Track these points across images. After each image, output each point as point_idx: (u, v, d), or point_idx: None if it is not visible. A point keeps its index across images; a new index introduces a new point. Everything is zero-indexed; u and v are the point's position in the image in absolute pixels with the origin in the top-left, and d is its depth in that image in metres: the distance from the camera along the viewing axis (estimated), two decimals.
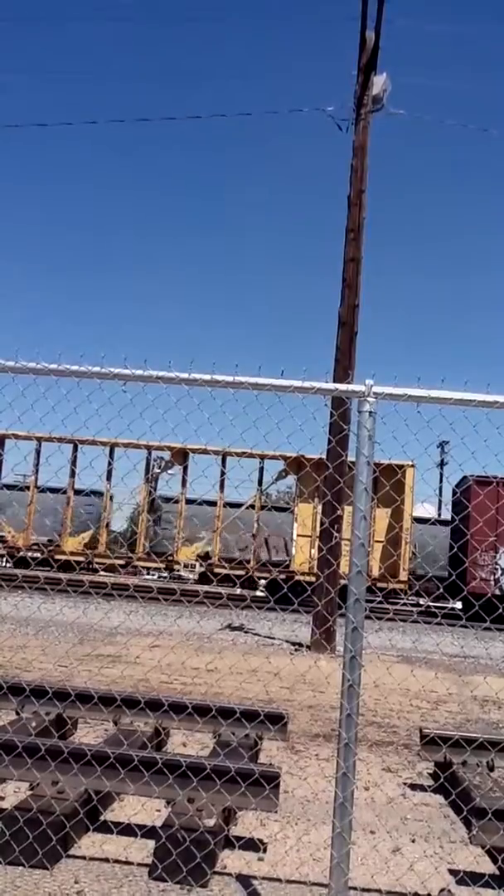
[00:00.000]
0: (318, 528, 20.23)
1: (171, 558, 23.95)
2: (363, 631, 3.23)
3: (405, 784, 5.67)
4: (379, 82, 13.68)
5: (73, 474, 22.69)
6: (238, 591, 21.62)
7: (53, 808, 3.96)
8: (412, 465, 20.82)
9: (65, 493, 23.65)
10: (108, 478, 23.60)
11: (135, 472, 25.56)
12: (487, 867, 4.15)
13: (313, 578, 18.85)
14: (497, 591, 20.70)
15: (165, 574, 26.07)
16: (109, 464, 23.28)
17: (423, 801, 5.32)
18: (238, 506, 23.34)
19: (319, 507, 20.35)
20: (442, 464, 49.49)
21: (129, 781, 4.22)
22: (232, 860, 4.03)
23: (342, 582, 12.25)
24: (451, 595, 22.55)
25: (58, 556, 23.68)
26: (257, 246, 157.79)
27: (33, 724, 5.49)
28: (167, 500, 24.64)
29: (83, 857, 3.90)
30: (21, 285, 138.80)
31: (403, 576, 21.68)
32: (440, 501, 41.40)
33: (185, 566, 25.30)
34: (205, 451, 21.27)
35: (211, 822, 3.98)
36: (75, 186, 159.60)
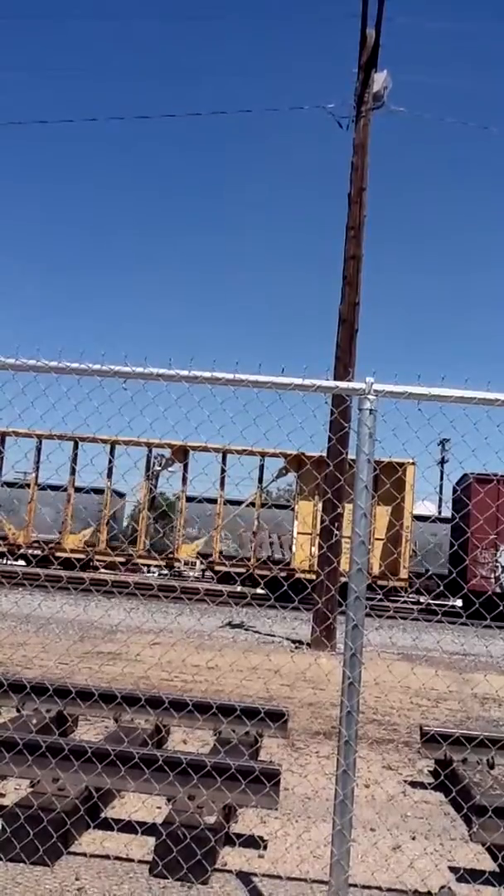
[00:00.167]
0: (318, 526, 20.23)
1: (171, 555, 23.97)
2: (363, 628, 3.23)
3: (405, 781, 5.68)
4: (379, 80, 13.67)
5: (73, 472, 22.68)
6: (239, 588, 21.63)
7: (54, 805, 3.96)
8: (413, 463, 20.81)
9: (81, 490, 23.64)
10: (109, 475, 23.59)
11: (135, 470, 25.54)
12: (488, 864, 4.15)
13: (314, 576, 18.90)
14: (497, 589, 20.71)
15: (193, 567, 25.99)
16: (110, 461, 23.29)
17: (423, 798, 5.32)
18: (240, 503, 23.33)
19: (320, 505, 20.35)
20: (442, 461, 49.45)
21: (129, 779, 4.22)
22: (232, 857, 4.04)
23: (342, 579, 12.26)
24: (451, 593, 22.57)
25: (58, 554, 23.70)
26: (257, 244, 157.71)
27: (34, 721, 5.49)
28: (191, 499, 24.49)
29: (84, 855, 3.90)
30: (21, 282, 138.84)
31: (404, 573, 21.68)
32: (440, 499, 41.45)
33: (186, 563, 25.31)
34: (205, 449, 21.31)
35: (211, 820, 3.98)
36: (75, 184, 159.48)
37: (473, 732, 5.68)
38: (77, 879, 3.64)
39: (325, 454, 12.31)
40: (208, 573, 24.87)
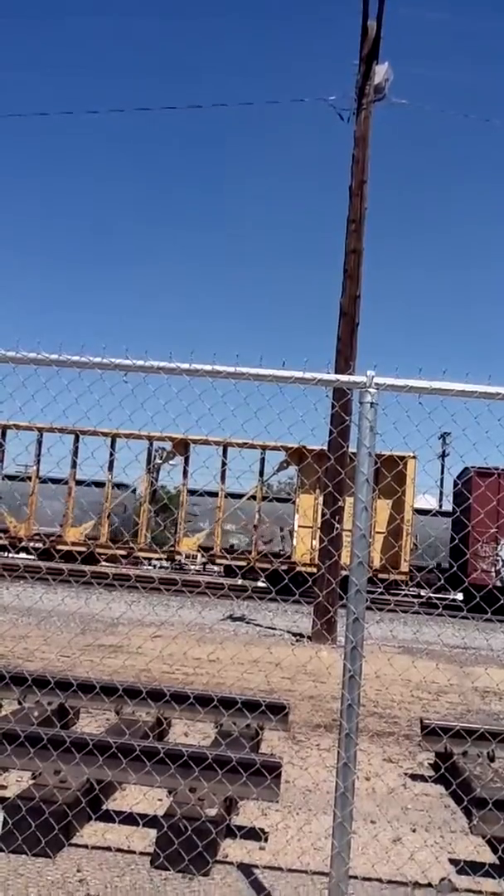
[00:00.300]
0: (319, 520, 20.23)
1: (172, 549, 23.98)
2: (364, 622, 3.23)
3: (406, 774, 5.69)
4: (380, 72, 13.62)
5: (74, 465, 22.67)
6: (240, 581, 21.65)
7: (56, 797, 3.97)
8: (413, 457, 20.82)
9: (89, 484, 23.61)
10: (110, 468, 23.59)
11: (136, 463, 25.51)
12: (488, 857, 4.17)
13: (314, 569, 18.92)
14: (498, 583, 20.71)
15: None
16: (111, 454, 23.28)
17: (423, 791, 5.34)
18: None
19: (321, 498, 20.35)
20: (443, 455, 49.53)
21: (130, 771, 4.23)
22: (233, 849, 4.05)
23: (343, 573, 12.26)
24: (452, 586, 22.58)
25: (60, 547, 23.72)
26: (258, 237, 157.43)
27: (35, 713, 5.50)
28: (192, 492, 24.42)
29: (85, 846, 3.92)
30: (22, 275, 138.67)
31: (405, 567, 21.69)
32: (441, 493, 41.46)
33: (187, 557, 25.32)
34: (206, 442, 21.27)
35: (212, 812, 4.00)
36: (75, 178, 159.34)
37: (474, 725, 5.70)
38: (79, 871, 3.65)
39: (326, 447, 12.30)
40: (213, 568, 24.85)
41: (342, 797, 3.15)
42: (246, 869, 3.83)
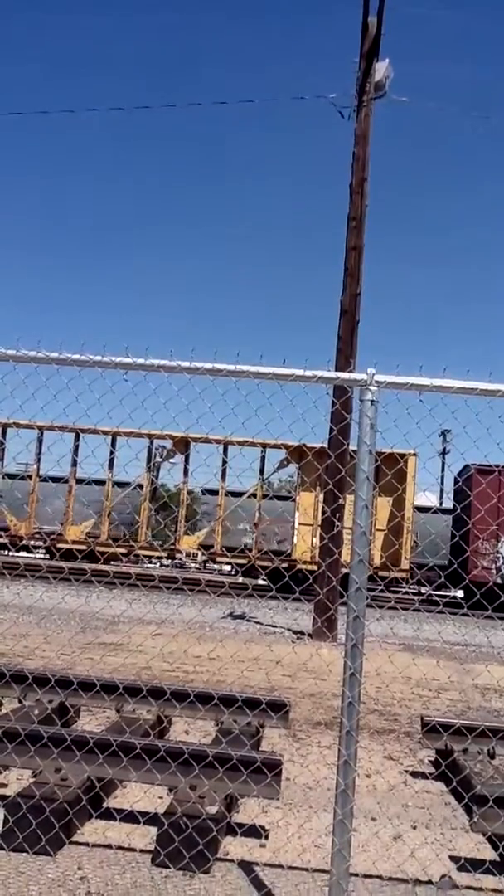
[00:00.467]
0: (319, 517, 20.23)
1: (173, 547, 23.98)
2: (365, 619, 3.23)
3: (406, 771, 5.69)
4: (381, 69, 13.59)
5: (74, 463, 22.67)
6: (240, 579, 21.64)
7: (56, 795, 3.98)
8: (414, 454, 20.80)
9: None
10: (111, 466, 23.59)
11: (137, 461, 25.47)
12: (488, 854, 4.17)
13: (315, 567, 18.92)
14: (499, 580, 20.72)
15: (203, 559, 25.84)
16: (111, 453, 23.29)
17: (424, 788, 5.34)
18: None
19: (321, 496, 20.35)
20: (444, 452, 49.51)
21: (131, 769, 4.24)
22: (234, 847, 4.05)
23: (344, 570, 12.27)
24: (452, 583, 22.59)
25: (60, 545, 23.73)
26: (258, 235, 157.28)
27: (36, 711, 5.51)
28: (209, 492, 24.32)
29: (86, 844, 3.92)
30: (22, 273, 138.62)
31: (405, 564, 21.70)
32: (442, 490, 41.49)
33: (188, 555, 25.31)
34: (206, 440, 21.27)
35: (213, 810, 4.00)
36: (76, 175, 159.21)
37: (474, 722, 5.70)
38: (79, 869, 3.66)
39: (326, 445, 12.29)
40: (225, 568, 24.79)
41: (343, 794, 3.15)
42: (246, 866, 3.83)
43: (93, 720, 6.23)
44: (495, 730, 5.53)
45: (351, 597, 3.23)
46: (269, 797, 4.22)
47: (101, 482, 24.23)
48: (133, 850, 3.90)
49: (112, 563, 23.46)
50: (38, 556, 24.37)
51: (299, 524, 22.23)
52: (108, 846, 3.91)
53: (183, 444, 23.06)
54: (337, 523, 12.83)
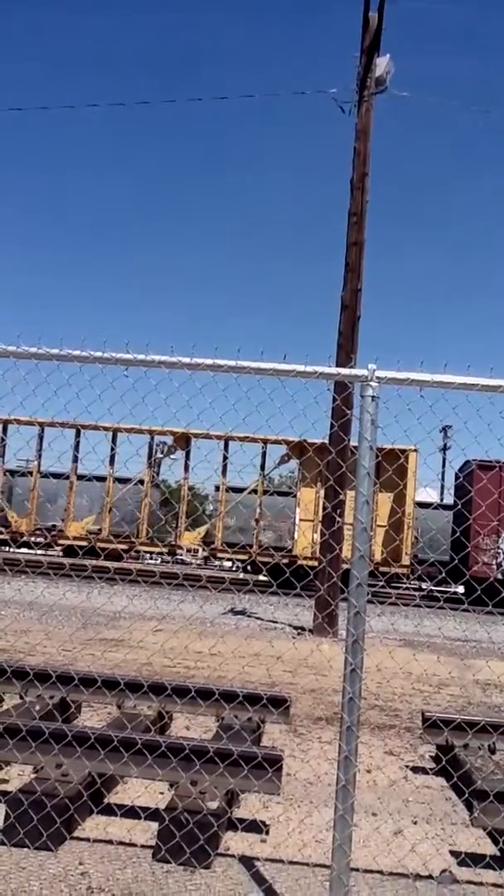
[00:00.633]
0: (320, 513, 20.24)
1: (173, 543, 24.00)
2: (365, 615, 3.23)
3: (407, 767, 5.70)
4: (382, 64, 13.56)
5: (75, 459, 22.69)
6: (241, 575, 21.66)
7: (58, 790, 3.98)
8: (415, 450, 20.81)
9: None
10: (111, 463, 23.60)
11: (137, 457, 25.47)
12: (488, 849, 4.17)
13: (316, 563, 18.92)
14: (499, 576, 20.73)
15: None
16: (112, 449, 23.30)
17: (424, 783, 5.35)
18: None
19: (322, 492, 20.35)
20: (444, 448, 49.47)
21: (132, 764, 4.24)
22: (235, 842, 4.06)
23: (344, 566, 12.27)
24: (453, 579, 22.60)
25: (61, 541, 23.76)
26: (259, 232, 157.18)
27: (37, 707, 5.52)
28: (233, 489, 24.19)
29: (87, 840, 3.93)
30: (22, 269, 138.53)
31: (406, 560, 21.71)
32: (442, 486, 41.49)
33: (188, 551, 25.34)
34: (207, 436, 21.30)
35: (214, 805, 4.00)
36: (76, 171, 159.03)
37: (475, 718, 5.70)
38: (81, 864, 3.66)
39: (327, 441, 12.30)
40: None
41: (343, 790, 3.15)
42: (247, 861, 3.84)
43: (94, 716, 6.24)
44: (496, 725, 5.54)
45: (352, 592, 3.23)
46: (270, 792, 4.23)
47: (101, 478, 24.26)
48: (134, 845, 3.91)
49: (113, 559, 23.48)
50: (38, 552, 24.36)
51: (300, 520, 22.25)
52: (110, 841, 3.92)
53: (184, 440, 23.09)
54: (338, 519, 12.83)
